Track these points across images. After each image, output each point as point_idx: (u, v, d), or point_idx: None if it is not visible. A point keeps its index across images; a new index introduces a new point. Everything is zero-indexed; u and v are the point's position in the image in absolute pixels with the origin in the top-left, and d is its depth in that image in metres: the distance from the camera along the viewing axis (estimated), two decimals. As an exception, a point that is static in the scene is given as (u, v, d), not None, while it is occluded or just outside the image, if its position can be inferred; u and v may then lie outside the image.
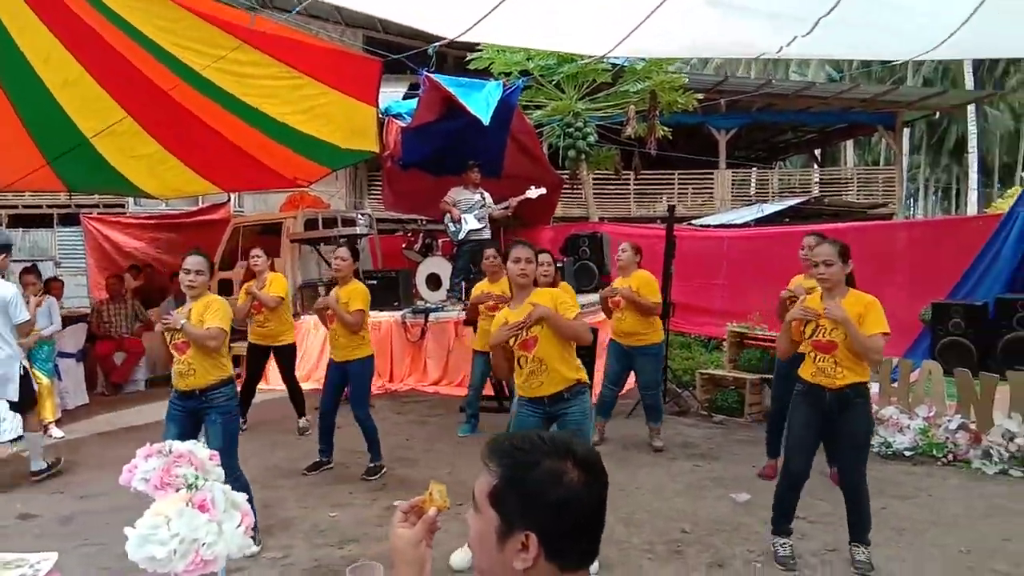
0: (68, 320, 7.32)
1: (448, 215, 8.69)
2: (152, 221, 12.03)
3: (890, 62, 9.87)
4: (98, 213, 12.76)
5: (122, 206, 15.11)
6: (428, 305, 8.78)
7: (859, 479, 3.75)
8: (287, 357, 6.76)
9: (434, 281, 9.28)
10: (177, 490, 1.60)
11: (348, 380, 5.43)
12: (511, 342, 3.75)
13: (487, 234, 8.80)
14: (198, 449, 1.67)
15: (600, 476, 1.22)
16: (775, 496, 3.93)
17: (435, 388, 8.27)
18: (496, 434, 1.31)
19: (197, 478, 1.51)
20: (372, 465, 5.42)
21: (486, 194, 8.81)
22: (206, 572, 1.41)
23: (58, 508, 4.80)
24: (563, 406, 3.76)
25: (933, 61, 24.80)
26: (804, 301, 3.91)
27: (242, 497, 1.54)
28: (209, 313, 4.14)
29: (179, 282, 9.43)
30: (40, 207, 15.68)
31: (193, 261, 4.22)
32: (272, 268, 6.96)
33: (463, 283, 8.91)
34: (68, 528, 4.44)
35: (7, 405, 6.40)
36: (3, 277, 5.46)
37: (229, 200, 11.99)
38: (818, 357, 3.73)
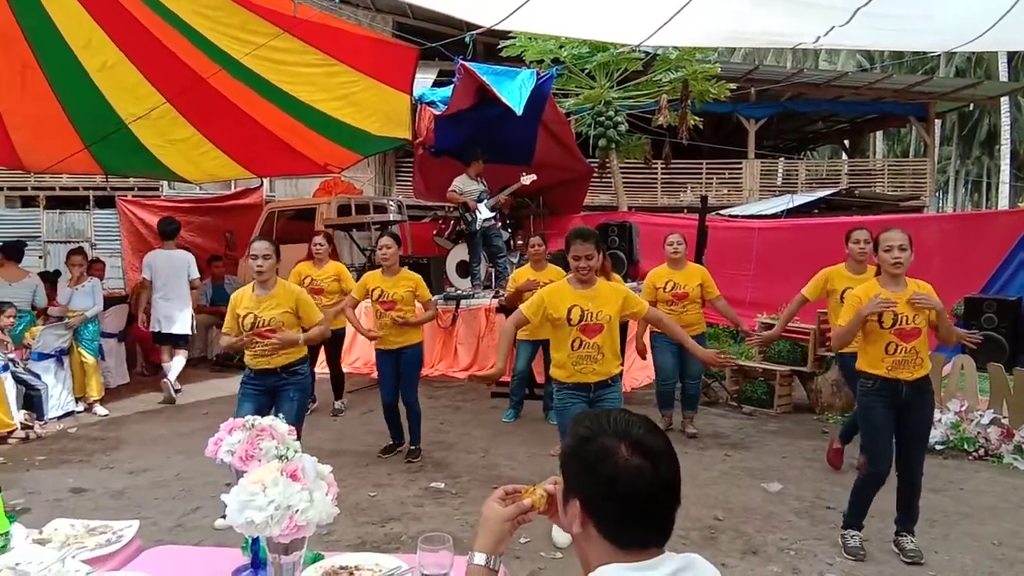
0: (106, 301, 7.49)
1: (464, 205, 8.79)
2: (186, 204, 12.20)
3: (927, 53, 9.76)
4: (133, 196, 12.99)
5: (156, 189, 15.37)
6: (459, 292, 8.88)
7: (921, 469, 3.80)
8: (337, 342, 6.86)
9: (464, 268, 9.39)
10: (260, 462, 1.71)
11: (400, 366, 5.43)
12: (573, 321, 3.81)
13: (494, 221, 8.92)
14: (278, 424, 1.76)
15: (659, 463, 1.25)
16: (856, 493, 3.89)
17: (466, 374, 8.37)
18: (583, 411, 1.40)
19: (288, 449, 1.61)
20: (414, 448, 5.51)
21: (485, 183, 8.92)
22: (299, 536, 1.52)
23: (108, 483, 4.96)
24: (605, 392, 3.89)
25: (969, 52, 24.38)
26: (856, 292, 3.85)
27: (327, 468, 1.64)
28: (306, 309, 4.28)
29: (216, 267, 9.69)
30: (76, 189, 16.01)
31: (260, 246, 4.23)
32: (334, 254, 6.92)
33: (489, 270, 9.06)
34: (120, 502, 4.60)
35: (56, 383, 6.65)
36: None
37: (262, 185, 12.14)
38: (898, 348, 3.68)
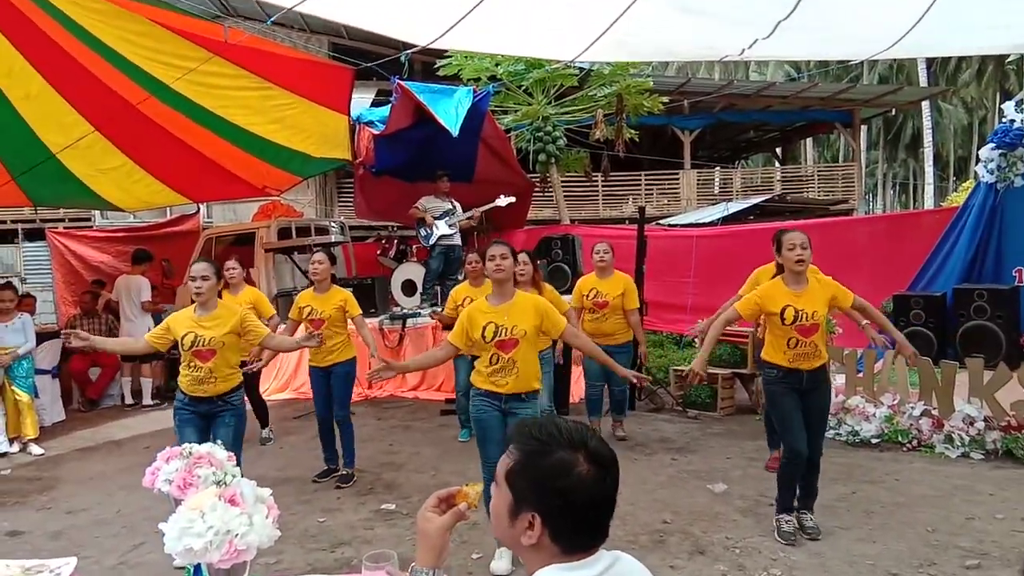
0: (38, 336, 7.25)
1: (421, 220, 8.79)
2: (120, 234, 11.88)
3: (847, 62, 10.18)
4: (64, 227, 12.62)
5: (88, 220, 14.96)
6: (405, 311, 8.85)
7: (820, 451, 4.16)
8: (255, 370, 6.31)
9: (410, 287, 9.36)
10: (197, 489, 1.70)
11: (331, 382, 5.41)
12: (488, 338, 3.79)
13: (458, 239, 8.93)
14: (216, 450, 1.76)
15: (610, 471, 1.31)
16: (780, 477, 4.18)
17: (415, 393, 8.34)
18: (525, 419, 1.41)
19: (226, 475, 1.61)
20: (346, 472, 5.41)
21: (456, 203, 8.93)
22: (239, 561, 1.51)
23: (46, 524, 4.80)
24: (517, 405, 3.86)
25: (888, 59, 25.44)
26: (759, 290, 4.23)
27: (267, 492, 1.64)
28: (253, 329, 4.34)
29: (153, 298, 9.51)
30: (4, 222, 15.46)
31: (199, 267, 4.22)
32: (249, 279, 6.80)
33: (436, 288, 9.03)
34: (59, 543, 4.44)
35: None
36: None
37: (198, 211, 11.91)
38: (799, 343, 3.99)
